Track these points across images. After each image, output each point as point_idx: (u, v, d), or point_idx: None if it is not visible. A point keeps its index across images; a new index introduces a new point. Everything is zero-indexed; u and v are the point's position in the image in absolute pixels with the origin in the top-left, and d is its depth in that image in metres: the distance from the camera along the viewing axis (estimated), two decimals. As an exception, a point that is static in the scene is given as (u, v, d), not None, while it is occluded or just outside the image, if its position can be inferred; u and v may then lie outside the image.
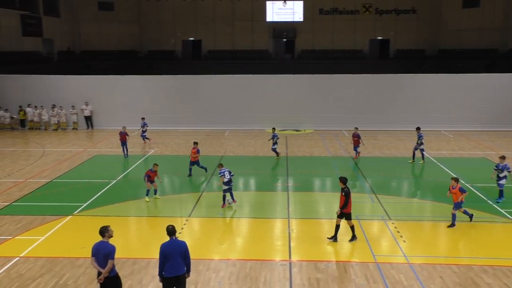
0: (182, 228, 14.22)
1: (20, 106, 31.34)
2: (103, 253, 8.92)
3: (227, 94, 31.29)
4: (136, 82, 31.87)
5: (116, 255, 9.12)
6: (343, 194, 13.01)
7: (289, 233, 13.90)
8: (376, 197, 17.24)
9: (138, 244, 13.10)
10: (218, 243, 13.26)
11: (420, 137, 22.17)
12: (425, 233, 14.18)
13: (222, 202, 16.03)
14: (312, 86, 31.41)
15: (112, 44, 51.74)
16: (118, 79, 32.15)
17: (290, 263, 12.01)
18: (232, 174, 16.17)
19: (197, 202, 16.67)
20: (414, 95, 31.05)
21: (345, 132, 29.93)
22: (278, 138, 23.37)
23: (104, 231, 9.15)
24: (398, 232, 13.92)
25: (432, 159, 23.00)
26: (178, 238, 9.46)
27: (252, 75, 32.35)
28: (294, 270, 11.63)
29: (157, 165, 17.00)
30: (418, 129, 22.56)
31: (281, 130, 30.64)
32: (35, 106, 31.29)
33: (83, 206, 16.01)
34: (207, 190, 18.19)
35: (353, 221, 13.31)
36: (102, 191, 17.82)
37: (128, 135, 23.27)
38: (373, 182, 19.17)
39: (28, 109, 31.29)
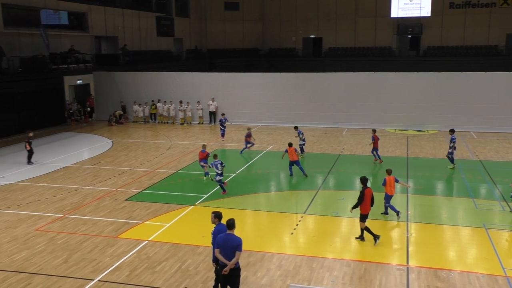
0: (297, 225, 14.35)
1: (152, 101, 33.89)
2: (231, 245, 9.03)
3: (347, 92, 30.79)
4: (258, 79, 32.68)
5: (233, 247, 9.43)
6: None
7: (408, 237, 13.33)
8: (508, 205, 15.81)
9: (254, 237, 13.48)
10: (333, 242, 13.16)
11: (452, 140, 20.23)
12: None
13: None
14: (438, 85, 29.60)
15: (236, 43, 53.76)
16: (240, 76, 33.28)
17: (407, 269, 11.52)
18: (223, 165, 17.13)
19: (312, 200, 16.69)
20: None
21: (473, 134, 27.86)
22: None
23: (233, 224, 9.21)
24: (533, 245, 12.64)
25: None
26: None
27: (373, 72, 31.46)
28: (411, 276, 11.13)
29: (205, 145, 19.25)
30: (451, 131, 20.56)
31: (402, 130, 29.44)
32: (164, 101, 33.62)
33: (204, 198, 16.87)
34: (323, 188, 18.11)
35: (480, 229, 12.37)
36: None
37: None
38: (504, 189, 17.59)
39: (158, 104, 33.73)
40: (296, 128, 23.41)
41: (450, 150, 20.44)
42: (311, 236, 13.55)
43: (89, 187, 18.30)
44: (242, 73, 33.83)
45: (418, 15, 49.89)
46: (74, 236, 13.59)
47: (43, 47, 31.65)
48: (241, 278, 9.98)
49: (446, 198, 17.20)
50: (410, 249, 12.59)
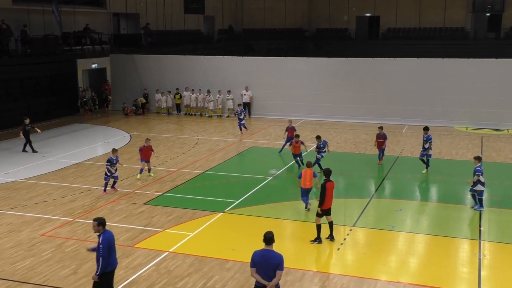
0: (344, 239, 14.24)
1: (177, 89, 34.23)
2: (272, 263, 8.92)
3: (408, 82, 30.28)
4: (302, 65, 32.51)
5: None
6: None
7: (480, 258, 13.03)
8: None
9: (292, 252, 13.44)
10: (387, 261, 12.99)
11: (428, 139, 20.06)
12: None
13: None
14: (523, 74, 28.78)
15: (277, 22, 53.56)
16: (281, 61, 33.19)
17: (478, 297, 11.28)
18: (115, 162, 18.12)
19: (364, 209, 16.53)
20: None
21: None
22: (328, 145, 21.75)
23: (272, 238, 9.08)
24: None
25: None
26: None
27: (441, 58, 30.80)
28: (483, 306, 10.89)
29: (149, 139, 19.97)
30: (425, 129, 20.34)
31: (475, 128, 28.75)
32: (192, 90, 33.85)
33: (235, 203, 16.95)
34: (377, 196, 17.90)
35: None
36: (257, 188, 18.65)
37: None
38: None
39: (184, 93, 34.01)
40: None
41: (425, 152, 20.28)
42: (361, 253, 13.42)
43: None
44: (283, 57, 33.77)
45: (500, -11, 48.60)
46: (85, 243, 13.89)
47: (55, 26, 32.49)
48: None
49: (528, 213, 16.70)
50: (482, 273, 12.30)
